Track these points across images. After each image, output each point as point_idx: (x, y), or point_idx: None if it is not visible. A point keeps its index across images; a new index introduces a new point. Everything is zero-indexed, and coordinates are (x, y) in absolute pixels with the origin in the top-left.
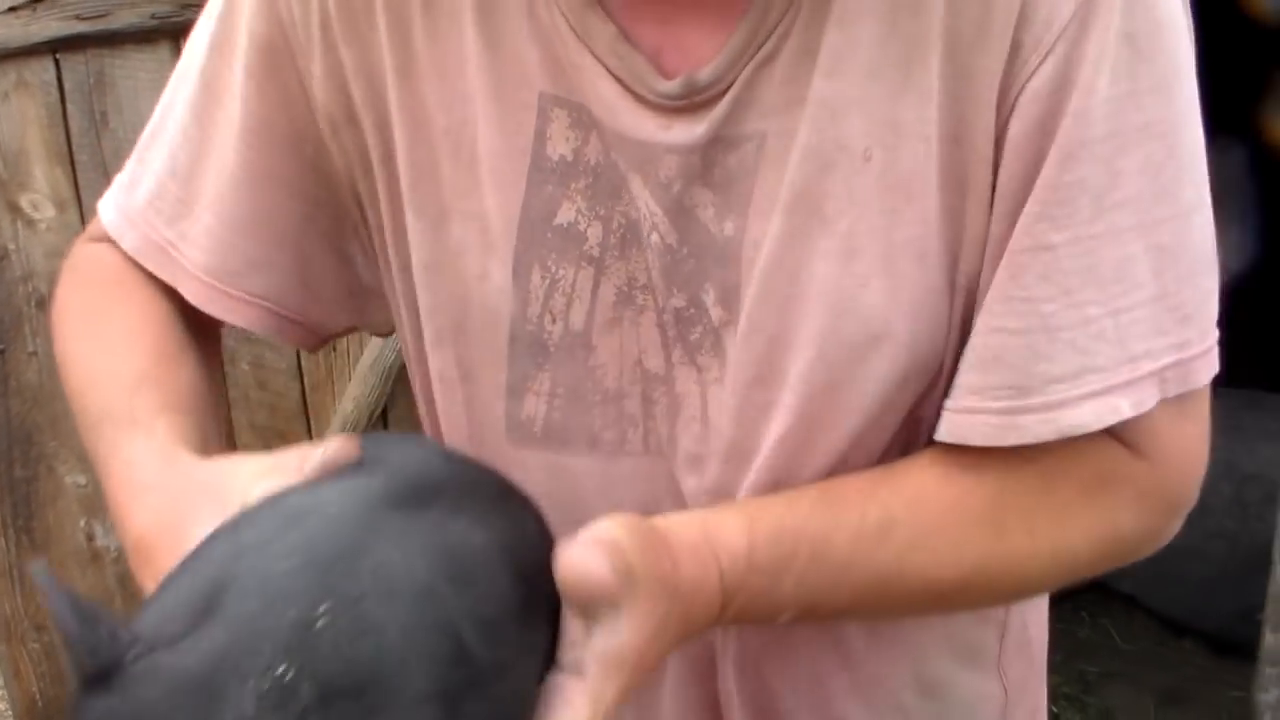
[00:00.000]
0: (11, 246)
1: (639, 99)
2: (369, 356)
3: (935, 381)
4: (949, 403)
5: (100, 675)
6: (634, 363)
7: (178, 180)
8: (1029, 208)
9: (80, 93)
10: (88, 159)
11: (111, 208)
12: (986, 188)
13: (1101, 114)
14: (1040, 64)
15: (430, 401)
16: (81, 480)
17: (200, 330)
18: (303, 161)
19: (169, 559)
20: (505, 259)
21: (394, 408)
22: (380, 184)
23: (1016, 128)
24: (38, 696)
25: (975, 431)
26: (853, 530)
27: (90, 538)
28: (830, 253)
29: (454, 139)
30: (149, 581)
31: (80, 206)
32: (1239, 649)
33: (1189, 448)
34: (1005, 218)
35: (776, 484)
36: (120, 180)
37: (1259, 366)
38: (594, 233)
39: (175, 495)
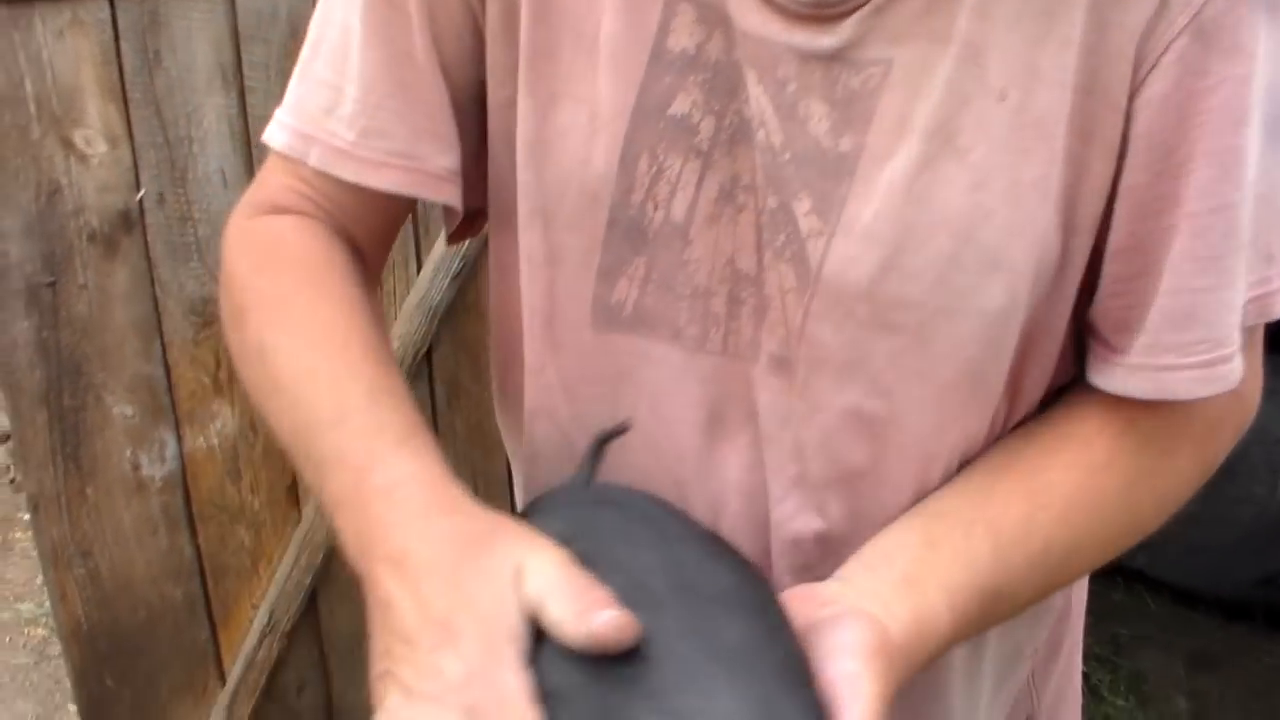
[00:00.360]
0: (64, 181)
1: (769, 0)
2: (415, 296)
3: (1044, 321)
4: (1144, 360)
5: None
6: (726, 261)
7: (355, 82)
8: (1206, 170)
9: (134, 31)
10: (140, 96)
11: (282, 133)
12: (1115, 138)
13: (1258, 79)
14: (1187, 24)
15: (506, 286)
16: (129, 411)
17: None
18: (464, 41)
19: (436, 595)
20: (613, 144)
21: (438, 347)
22: (498, 59)
23: (1158, 85)
24: (83, 620)
25: (1179, 387)
26: (1021, 568)
27: (135, 467)
28: (959, 182)
29: (577, 24)
30: (400, 595)
31: (132, 143)
32: (1267, 616)
33: (1258, 373)
34: (1144, 169)
35: (885, 403)
36: (285, 106)
37: None
38: (706, 126)
39: (453, 537)
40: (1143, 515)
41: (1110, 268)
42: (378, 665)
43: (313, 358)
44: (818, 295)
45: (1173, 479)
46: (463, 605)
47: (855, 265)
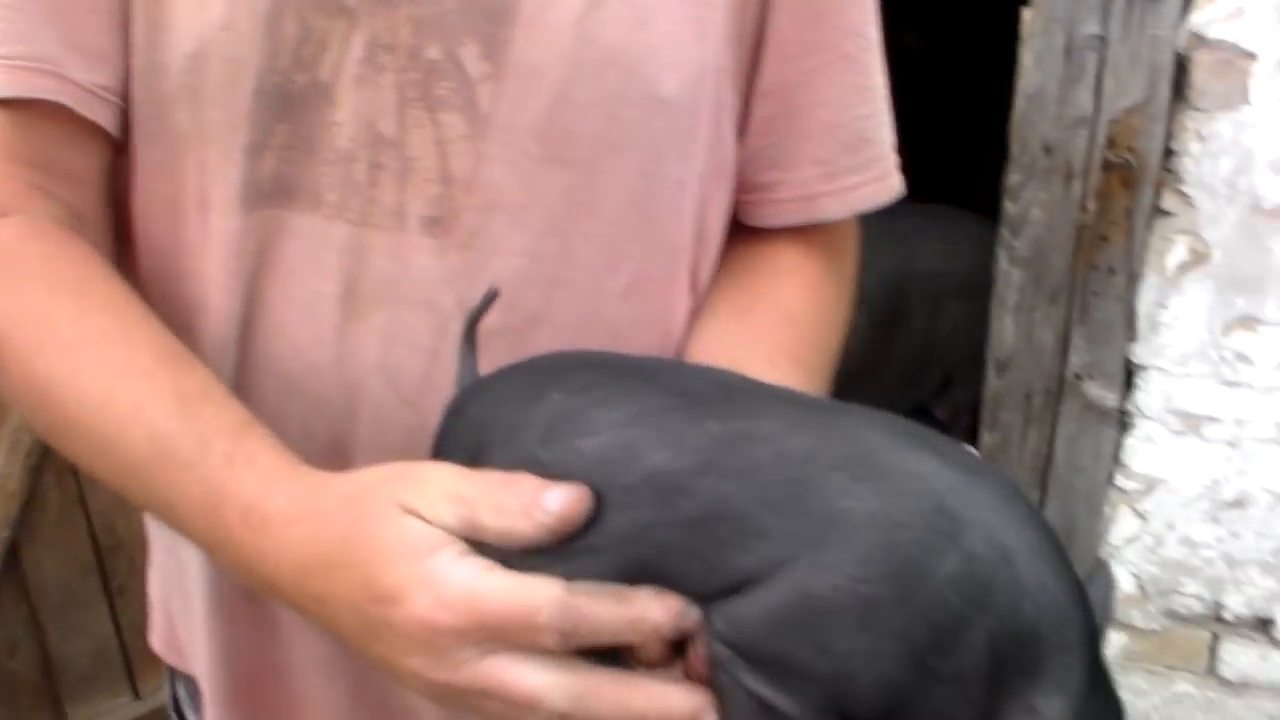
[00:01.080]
0: None
1: None
2: None
3: (712, 163)
4: (826, 187)
5: None
6: (367, 125)
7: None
8: (855, 14)
9: None
10: None
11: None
12: None
13: None
14: None
15: (130, 182)
16: None
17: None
18: None
19: (350, 580)
20: (257, 7)
21: None
22: None
23: None
24: None
25: (863, 201)
26: (821, 386)
27: None
28: (622, 19)
29: None
30: (329, 607)
31: None
32: None
33: None
34: (788, 14)
35: (560, 242)
36: None
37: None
38: None
39: (330, 522)
40: (844, 315)
41: (759, 110)
42: (385, 674)
43: (103, 380)
44: (490, 138)
45: (848, 281)
46: (376, 566)
47: (527, 104)
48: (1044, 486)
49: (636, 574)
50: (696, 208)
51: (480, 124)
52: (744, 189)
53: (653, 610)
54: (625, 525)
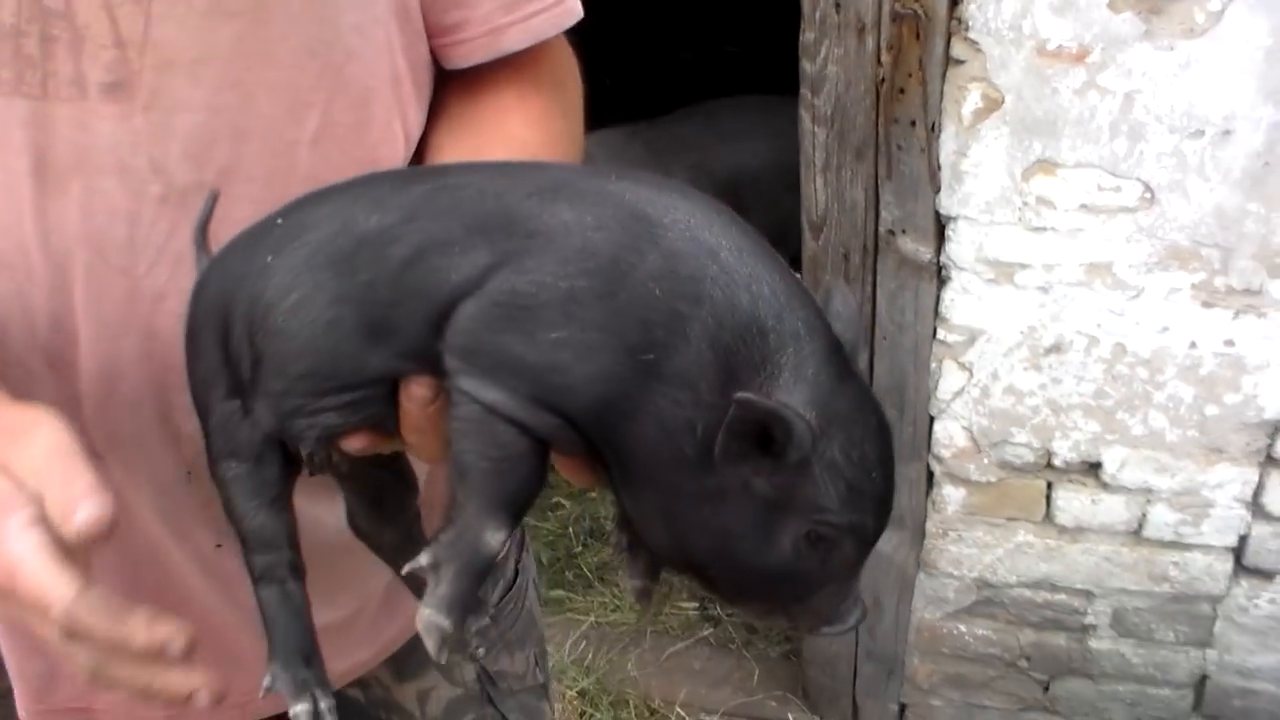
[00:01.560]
0: None
1: None
2: None
3: (395, 7)
4: (508, 18)
5: None
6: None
7: None
8: None
9: None
10: None
11: None
12: None
13: None
14: None
15: None
16: None
17: None
18: None
19: None
20: None
21: None
22: None
23: None
24: None
25: (548, 27)
26: None
27: None
28: None
29: None
30: None
31: None
32: None
33: None
34: None
35: (238, 94)
36: None
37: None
38: None
39: None
40: (577, 144)
41: None
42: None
43: None
44: None
45: (576, 111)
46: None
47: None
48: (870, 345)
49: (372, 335)
50: (384, 52)
51: None
52: (433, 34)
53: (139, 634)
54: (352, 290)
